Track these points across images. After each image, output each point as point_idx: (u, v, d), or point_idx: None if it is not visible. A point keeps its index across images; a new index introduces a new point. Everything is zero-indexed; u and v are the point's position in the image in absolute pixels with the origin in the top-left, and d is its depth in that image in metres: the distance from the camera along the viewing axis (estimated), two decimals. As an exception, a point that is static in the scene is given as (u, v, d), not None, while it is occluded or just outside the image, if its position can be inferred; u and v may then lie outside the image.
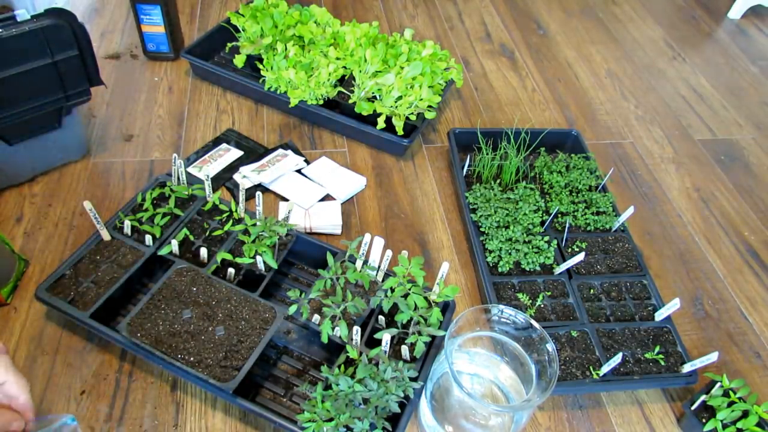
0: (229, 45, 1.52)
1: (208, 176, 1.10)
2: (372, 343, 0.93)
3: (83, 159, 1.28)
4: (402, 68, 1.38)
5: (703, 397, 0.93)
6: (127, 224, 1.04)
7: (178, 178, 1.14)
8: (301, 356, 0.98)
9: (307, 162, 1.32)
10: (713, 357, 0.92)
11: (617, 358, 0.91)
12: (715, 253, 1.27)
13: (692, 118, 1.63)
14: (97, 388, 0.92)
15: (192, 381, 0.88)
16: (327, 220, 1.19)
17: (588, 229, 1.20)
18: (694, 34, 2.00)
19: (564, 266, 1.09)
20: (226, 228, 1.06)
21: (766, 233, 1.33)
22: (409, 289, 0.94)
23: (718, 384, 0.94)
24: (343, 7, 1.89)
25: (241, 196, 1.08)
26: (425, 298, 0.95)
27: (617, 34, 1.94)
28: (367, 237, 0.99)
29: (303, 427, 0.81)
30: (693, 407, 0.93)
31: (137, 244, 1.03)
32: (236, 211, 1.11)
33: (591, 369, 0.96)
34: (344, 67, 1.41)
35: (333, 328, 0.91)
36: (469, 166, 1.29)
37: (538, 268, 1.11)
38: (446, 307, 1.01)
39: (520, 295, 1.06)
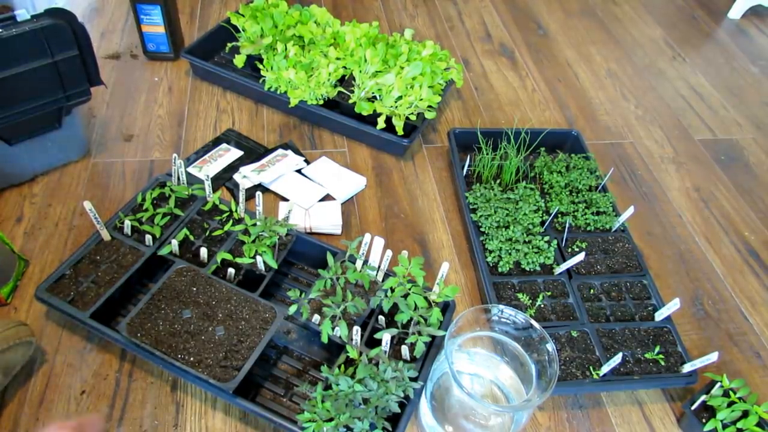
0: (229, 45, 1.52)
1: (208, 176, 1.10)
2: (372, 343, 0.93)
3: (83, 159, 1.28)
4: (402, 68, 1.38)
5: (703, 397, 0.93)
6: (127, 224, 1.04)
7: (178, 178, 1.14)
8: (301, 356, 0.98)
9: (307, 162, 1.32)
10: (713, 357, 0.92)
11: (617, 358, 0.91)
12: (715, 253, 1.27)
13: (692, 118, 1.63)
14: (97, 388, 0.92)
15: (192, 381, 0.88)
16: (327, 220, 1.19)
17: (588, 229, 1.20)
18: (694, 34, 1.99)
19: (564, 266, 1.09)
20: (226, 228, 1.06)
21: (766, 233, 1.33)
22: (409, 289, 0.94)
23: (718, 384, 0.94)
24: (343, 7, 1.89)
25: (241, 196, 1.08)
26: (425, 298, 0.95)
27: (617, 34, 1.94)
28: (367, 237, 0.99)
29: (303, 427, 0.81)
30: (693, 407, 0.93)
31: (137, 244, 1.03)
32: (236, 211, 1.11)
33: (591, 369, 0.96)
34: (344, 67, 1.41)
35: (333, 328, 0.91)
36: (469, 166, 1.29)
37: (538, 268, 1.11)
38: (446, 307, 1.01)
39: (520, 295, 1.06)
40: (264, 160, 1.29)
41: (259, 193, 1.06)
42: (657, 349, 1.00)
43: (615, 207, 1.24)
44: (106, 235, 1.03)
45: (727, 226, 1.33)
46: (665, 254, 1.25)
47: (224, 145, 1.33)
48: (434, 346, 0.95)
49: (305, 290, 1.07)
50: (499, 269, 1.10)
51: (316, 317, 0.94)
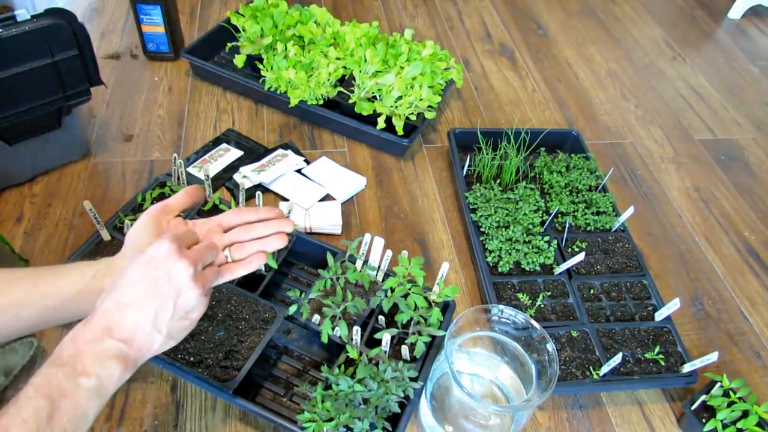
0: (229, 45, 1.52)
1: (208, 176, 1.10)
2: (372, 343, 0.93)
3: (83, 159, 1.28)
4: (402, 68, 1.38)
5: (703, 397, 0.93)
6: (127, 224, 1.04)
7: (178, 178, 1.14)
8: (301, 356, 0.98)
9: (307, 162, 1.32)
10: (713, 357, 0.92)
11: (617, 358, 0.91)
12: (715, 253, 1.27)
13: (692, 118, 1.63)
14: (97, 388, 0.92)
15: (192, 381, 0.88)
16: (327, 220, 1.19)
17: (588, 229, 1.20)
18: (694, 34, 2.00)
19: (564, 266, 1.09)
20: (226, 228, 1.06)
21: (766, 233, 1.33)
22: (409, 289, 0.94)
23: (718, 384, 0.94)
24: (343, 7, 1.89)
25: (241, 196, 1.08)
26: (425, 298, 0.95)
27: (617, 34, 1.94)
28: (367, 237, 0.99)
29: (303, 427, 0.81)
30: (693, 407, 0.93)
31: (137, 244, 1.02)
32: (236, 211, 1.10)
33: (591, 369, 0.96)
34: (344, 67, 1.41)
35: (333, 328, 0.91)
36: (469, 166, 1.29)
37: (538, 268, 1.11)
38: (446, 307, 1.01)
39: (520, 295, 1.06)
40: (264, 160, 1.29)
41: (259, 193, 1.06)
42: (657, 349, 1.00)
43: (615, 207, 1.24)
44: (106, 235, 1.03)
45: (727, 226, 1.33)
46: (665, 254, 1.25)
47: (224, 145, 1.33)
48: (434, 346, 0.95)
49: (305, 290, 1.07)
50: (499, 269, 1.10)
51: (316, 317, 0.94)
